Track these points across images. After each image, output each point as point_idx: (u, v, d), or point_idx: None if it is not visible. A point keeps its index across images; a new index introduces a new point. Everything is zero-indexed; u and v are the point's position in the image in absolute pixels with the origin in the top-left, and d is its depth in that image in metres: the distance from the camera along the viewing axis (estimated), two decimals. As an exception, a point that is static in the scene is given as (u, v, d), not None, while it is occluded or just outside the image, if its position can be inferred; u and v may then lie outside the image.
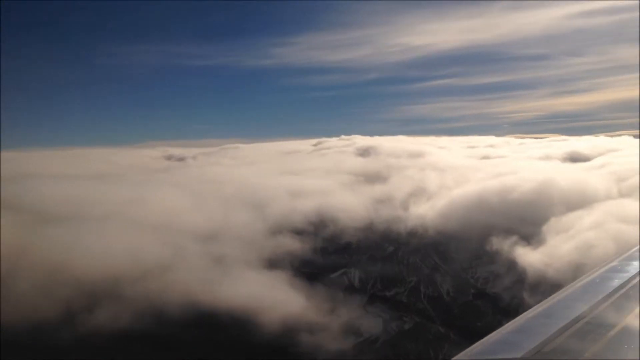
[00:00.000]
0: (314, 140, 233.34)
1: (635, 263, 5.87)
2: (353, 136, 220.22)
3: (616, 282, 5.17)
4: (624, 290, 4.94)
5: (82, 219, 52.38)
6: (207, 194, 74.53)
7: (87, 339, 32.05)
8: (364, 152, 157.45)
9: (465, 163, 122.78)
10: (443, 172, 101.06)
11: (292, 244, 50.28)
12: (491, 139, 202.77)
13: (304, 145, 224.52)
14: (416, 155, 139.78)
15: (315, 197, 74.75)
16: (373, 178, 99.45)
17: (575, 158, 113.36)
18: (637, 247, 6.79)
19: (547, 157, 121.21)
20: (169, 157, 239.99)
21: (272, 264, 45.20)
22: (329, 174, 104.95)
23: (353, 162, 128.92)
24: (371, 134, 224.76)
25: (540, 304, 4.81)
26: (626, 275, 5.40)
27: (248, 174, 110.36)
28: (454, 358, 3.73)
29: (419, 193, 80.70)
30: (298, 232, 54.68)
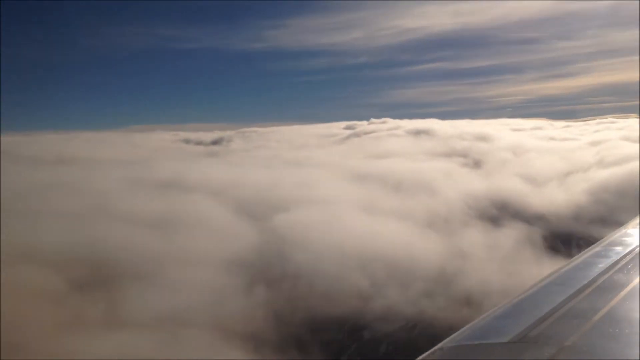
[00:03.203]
0: (343, 124, 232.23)
1: (619, 248, 6.15)
2: (383, 119, 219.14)
3: (600, 268, 5.37)
4: (607, 275, 5.15)
5: (294, 206, 51.32)
6: (350, 180, 73.21)
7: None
8: (419, 135, 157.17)
9: (546, 145, 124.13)
10: (551, 155, 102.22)
11: (525, 231, 49.96)
12: (533, 122, 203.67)
13: (334, 129, 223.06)
14: (483, 138, 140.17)
15: (459, 181, 74.80)
16: (477, 161, 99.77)
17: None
18: (621, 232, 7.07)
19: (629, 139, 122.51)
20: (187, 141, 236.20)
21: (547, 251, 45.08)
22: (422, 157, 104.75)
23: (430, 144, 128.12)
24: (367, 118, 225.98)
25: (526, 290, 4.94)
26: (610, 261, 5.60)
27: (335, 158, 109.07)
28: (440, 344, 3.80)
29: (557, 177, 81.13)
30: (517, 218, 54.33)
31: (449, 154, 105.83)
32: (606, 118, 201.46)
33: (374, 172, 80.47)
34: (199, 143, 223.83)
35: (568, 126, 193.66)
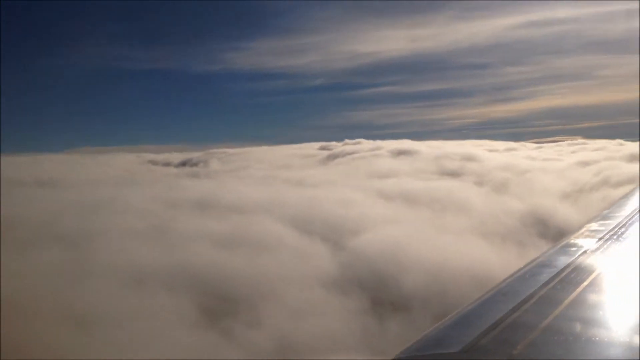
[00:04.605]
0: (316, 145, 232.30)
1: (565, 258, 6.53)
2: (358, 140, 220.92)
3: (544, 277, 5.79)
4: (552, 284, 5.56)
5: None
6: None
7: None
8: (405, 155, 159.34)
9: (536, 165, 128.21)
10: (548, 175, 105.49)
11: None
12: (506, 144, 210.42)
13: (308, 149, 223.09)
14: (470, 158, 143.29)
15: (487, 199, 76.07)
16: (480, 181, 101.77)
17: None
18: (564, 243, 7.48)
19: (613, 159, 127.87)
20: (154, 162, 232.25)
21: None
22: (428, 176, 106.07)
23: (422, 164, 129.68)
24: (327, 139, 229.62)
25: (475, 299, 5.31)
26: (554, 270, 6.03)
27: (336, 177, 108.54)
28: (394, 356, 3.96)
29: (573, 196, 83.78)
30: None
31: (453, 174, 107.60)
32: (577, 139, 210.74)
33: (396, 191, 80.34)
34: (166, 164, 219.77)
35: (540, 147, 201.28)
